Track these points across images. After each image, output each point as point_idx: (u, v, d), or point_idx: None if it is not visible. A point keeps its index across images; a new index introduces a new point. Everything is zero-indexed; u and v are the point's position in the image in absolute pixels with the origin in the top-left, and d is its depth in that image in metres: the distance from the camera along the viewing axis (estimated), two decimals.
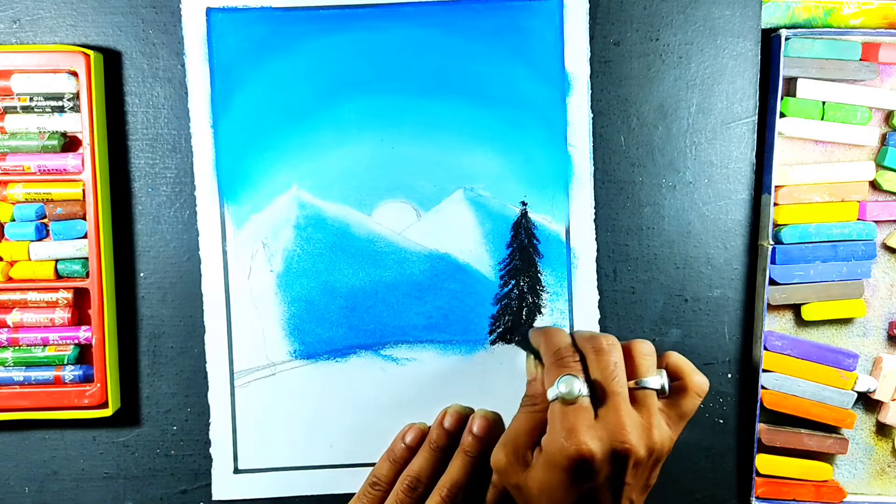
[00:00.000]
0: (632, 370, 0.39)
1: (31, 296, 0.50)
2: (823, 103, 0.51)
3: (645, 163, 0.51)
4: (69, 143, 0.50)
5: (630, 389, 0.39)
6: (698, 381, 0.41)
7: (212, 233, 0.51)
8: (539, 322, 0.51)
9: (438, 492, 0.40)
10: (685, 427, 0.40)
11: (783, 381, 0.52)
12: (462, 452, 0.41)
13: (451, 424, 0.42)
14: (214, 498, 0.52)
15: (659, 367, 0.41)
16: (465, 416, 0.43)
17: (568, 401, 0.37)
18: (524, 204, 0.51)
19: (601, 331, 0.52)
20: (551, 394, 0.38)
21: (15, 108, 0.49)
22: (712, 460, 0.53)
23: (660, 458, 0.39)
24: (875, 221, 0.52)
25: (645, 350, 0.40)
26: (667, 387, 0.40)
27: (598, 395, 0.38)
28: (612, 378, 0.38)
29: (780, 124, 0.51)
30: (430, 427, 0.43)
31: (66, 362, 0.50)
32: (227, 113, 0.50)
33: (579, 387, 0.38)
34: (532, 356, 0.43)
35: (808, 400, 0.52)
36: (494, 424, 0.42)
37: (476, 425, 0.42)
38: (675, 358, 0.41)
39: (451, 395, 0.51)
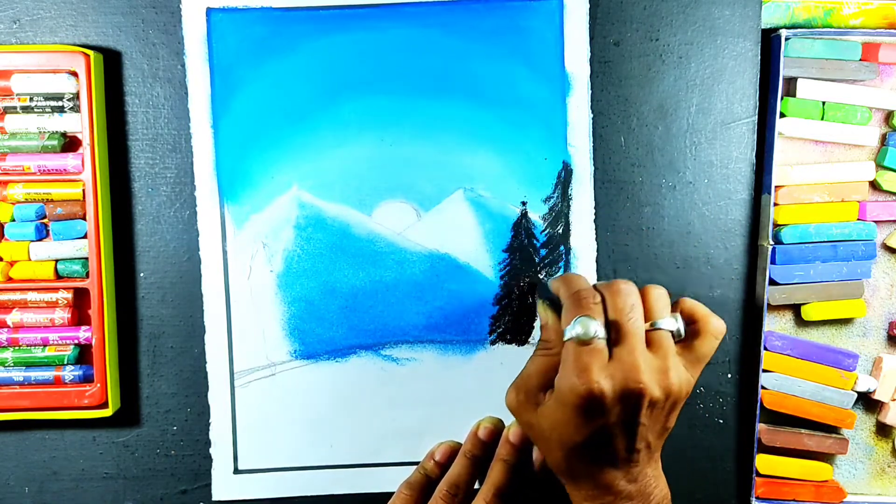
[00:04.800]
0: (647, 313, 0.39)
1: (31, 296, 0.50)
2: (823, 103, 0.51)
3: (645, 163, 0.51)
4: (69, 143, 0.50)
5: (646, 332, 0.39)
6: (715, 323, 0.40)
7: (212, 233, 0.51)
8: (539, 321, 0.51)
9: (483, 496, 0.41)
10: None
11: (783, 381, 0.52)
12: (500, 460, 0.42)
13: (486, 435, 0.43)
14: (214, 498, 0.52)
15: (673, 313, 0.41)
16: (498, 427, 0.43)
17: (583, 341, 0.37)
18: (524, 204, 0.51)
19: None
20: (567, 334, 0.38)
21: (15, 108, 0.49)
22: (712, 460, 0.53)
23: (677, 401, 0.39)
24: (875, 221, 0.52)
25: (659, 293, 0.40)
26: (682, 330, 0.40)
27: (614, 335, 0.38)
28: (629, 319, 0.38)
29: (780, 124, 0.51)
30: (458, 443, 0.44)
31: (66, 362, 0.50)
32: (227, 113, 0.50)
33: (595, 328, 0.37)
34: (544, 302, 0.43)
35: (808, 400, 0.52)
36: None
37: (512, 433, 0.42)
38: (690, 303, 0.42)
39: (451, 396, 0.51)
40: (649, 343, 0.39)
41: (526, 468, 0.42)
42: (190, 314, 0.51)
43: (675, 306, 0.41)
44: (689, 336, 0.41)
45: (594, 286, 0.41)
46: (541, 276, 0.52)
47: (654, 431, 0.39)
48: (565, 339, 0.38)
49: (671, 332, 0.39)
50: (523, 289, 0.51)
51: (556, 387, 0.38)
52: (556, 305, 0.41)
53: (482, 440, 0.43)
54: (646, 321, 0.39)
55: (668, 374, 0.38)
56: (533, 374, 0.40)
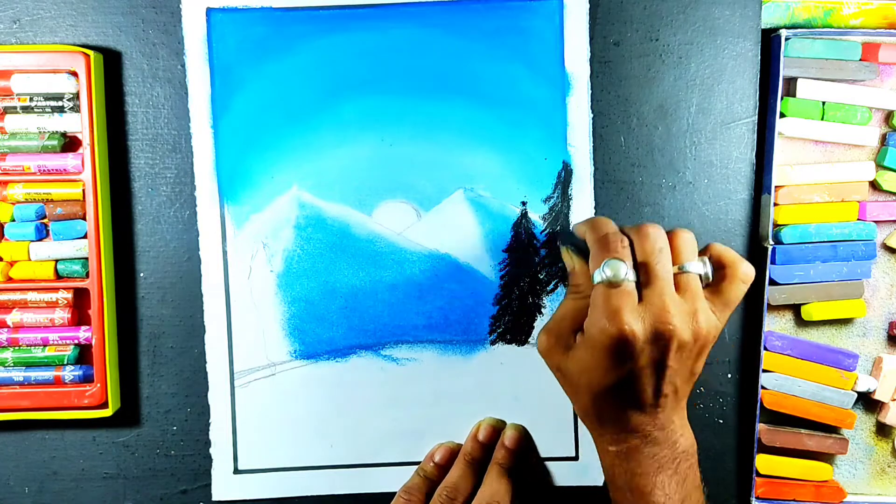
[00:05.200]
0: (675, 257, 0.39)
1: (31, 296, 0.50)
2: (823, 103, 0.51)
3: (645, 163, 0.51)
4: (69, 143, 0.50)
5: (674, 275, 0.38)
6: (744, 268, 0.40)
7: (212, 233, 0.51)
8: (539, 321, 0.51)
9: (478, 500, 0.41)
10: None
11: (783, 381, 0.52)
12: (496, 465, 0.42)
13: (485, 437, 0.43)
14: (214, 498, 0.52)
15: (702, 257, 0.40)
16: (498, 429, 0.43)
17: (613, 284, 0.37)
18: (524, 204, 0.51)
19: None
20: (597, 277, 0.38)
21: (15, 108, 0.49)
22: (712, 460, 0.53)
23: (705, 345, 0.39)
24: (875, 221, 0.52)
25: (686, 237, 0.40)
26: (710, 273, 0.40)
27: (643, 278, 0.38)
28: (657, 261, 0.38)
29: (780, 124, 0.51)
30: (458, 445, 0.44)
31: (66, 362, 0.50)
32: (227, 113, 0.50)
33: (625, 270, 0.37)
34: (568, 248, 0.42)
35: (808, 400, 0.52)
36: (525, 437, 0.42)
37: (508, 438, 0.42)
38: (719, 247, 0.41)
39: (452, 396, 0.51)
40: (677, 286, 0.38)
41: (521, 472, 0.41)
42: (190, 314, 0.51)
43: (704, 251, 0.41)
44: (717, 281, 0.40)
45: (621, 229, 0.41)
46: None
47: (681, 375, 0.38)
48: (595, 282, 0.38)
49: (699, 275, 0.39)
50: (523, 288, 0.51)
51: (585, 330, 0.38)
52: (580, 250, 0.41)
53: (481, 443, 0.43)
54: (673, 264, 0.39)
55: (696, 316, 0.38)
56: (565, 318, 0.40)
